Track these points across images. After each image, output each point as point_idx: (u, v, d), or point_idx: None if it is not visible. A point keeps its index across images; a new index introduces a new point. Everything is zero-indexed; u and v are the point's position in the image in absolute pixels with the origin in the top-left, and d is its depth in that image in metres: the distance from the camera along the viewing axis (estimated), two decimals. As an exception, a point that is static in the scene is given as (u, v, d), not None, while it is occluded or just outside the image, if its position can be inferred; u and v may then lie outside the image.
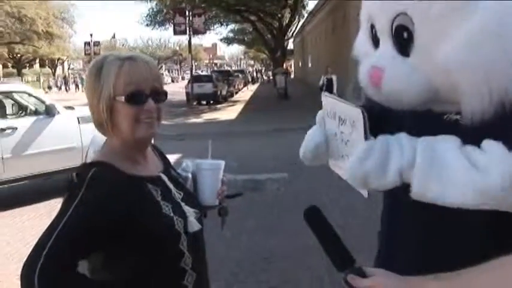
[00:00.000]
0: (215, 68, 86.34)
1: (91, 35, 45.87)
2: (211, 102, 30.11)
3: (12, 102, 9.25)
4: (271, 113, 23.00)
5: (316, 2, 42.26)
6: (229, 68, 77.15)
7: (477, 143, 1.45)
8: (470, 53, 1.40)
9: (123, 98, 1.62)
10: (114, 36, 77.18)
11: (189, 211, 1.77)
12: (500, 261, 0.90)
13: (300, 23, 50.78)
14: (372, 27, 1.71)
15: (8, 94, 9.05)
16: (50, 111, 8.62)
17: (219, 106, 28.79)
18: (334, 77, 18.89)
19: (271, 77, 50.36)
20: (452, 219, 1.48)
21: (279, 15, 38.26)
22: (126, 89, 1.63)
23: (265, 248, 5.86)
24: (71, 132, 8.69)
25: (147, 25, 42.75)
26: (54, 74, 64.29)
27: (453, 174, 1.38)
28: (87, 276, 1.60)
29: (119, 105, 1.64)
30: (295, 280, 5.05)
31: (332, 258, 1.26)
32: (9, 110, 9.14)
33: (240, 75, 54.28)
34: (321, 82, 19.31)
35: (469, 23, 1.41)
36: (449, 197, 1.38)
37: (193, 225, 1.75)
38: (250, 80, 62.18)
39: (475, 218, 1.42)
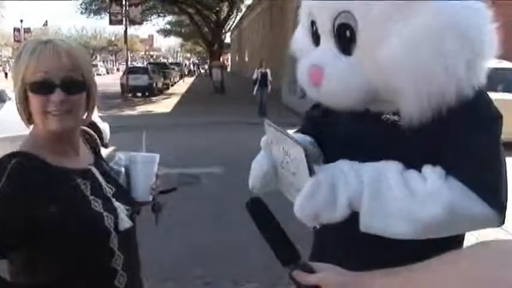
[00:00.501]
0: (151, 60, 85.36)
1: (21, 20, 44.47)
2: (147, 94, 29.73)
3: None
4: (207, 107, 22.91)
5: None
6: (165, 61, 76.35)
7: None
8: (411, 54, 1.40)
9: (28, 86, 1.50)
10: (46, 24, 74.85)
11: (121, 207, 1.66)
12: (451, 256, 0.86)
13: (238, 17, 50.94)
14: (313, 23, 1.67)
15: None
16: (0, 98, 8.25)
17: (154, 99, 28.50)
18: (268, 71, 18.76)
19: (207, 70, 50.30)
20: None
21: (217, 9, 38.19)
22: (32, 77, 1.49)
23: (201, 243, 5.79)
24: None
25: (81, 13, 41.84)
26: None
27: (396, 208, 1.42)
28: (6, 281, 1.47)
29: (30, 94, 1.51)
30: (232, 275, 5.00)
31: (276, 252, 1.19)
32: None
33: (176, 68, 54.04)
34: (254, 76, 19.13)
35: (412, 24, 1.41)
36: (393, 231, 1.44)
37: (125, 223, 1.64)
38: (186, 73, 61.91)
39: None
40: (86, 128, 1.78)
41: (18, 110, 1.56)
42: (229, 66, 78.29)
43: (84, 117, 1.65)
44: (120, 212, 1.64)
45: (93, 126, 9.69)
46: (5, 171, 1.43)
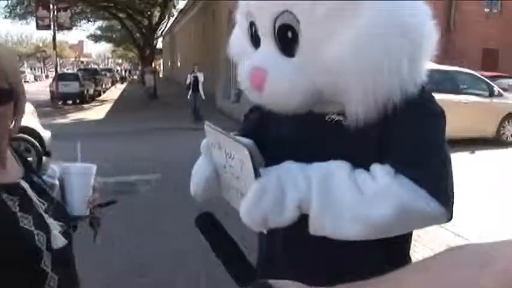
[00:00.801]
0: (81, 66, 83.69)
1: None
2: (78, 101, 29.11)
3: None
4: (140, 113, 22.74)
5: (186, 0, 42.25)
6: (96, 67, 75.00)
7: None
8: (356, 53, 1.38)
9: None
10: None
11: (53, 224, 1.51)
12: (420, 264, 0.83)
13: (170, 22, 50.59)
14: (252, 25, 1.61)
15: None
16: None
17: (86, 106, 27.96)
18: (199, 75, 18.62)
19: (140, 76, 49.76)
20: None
21: (149, 13, 37.81)
22: None
23: (140, 254, 5.66)
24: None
25: (5, 17, 40.33)
26: None
27: (346, 208, 1.40)
28: None
29: None
30: (174, 284, 4.93)
31: (231, 271, 1.11)
32: None
33: (108, 74, 53.28)
34: (188, 80, 19.01)
35: (355, 24, 1.39)
36: (344, 232, 1.41)
37: (58, 240, 1.50)
38: (118, 79, 60.97)
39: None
40: (25, 136, 1.64)
41: None
42: (162, 71, 77.65)
43: (12, 126, 1.52)
44: (53, 228, 1.50)
45: (35, 134, 9.42)
46: None
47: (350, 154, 1.48)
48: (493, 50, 22.19)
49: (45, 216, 1.50)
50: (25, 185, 1.52)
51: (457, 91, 12.27)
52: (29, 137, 9.34)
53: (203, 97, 18.30)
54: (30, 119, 9.60)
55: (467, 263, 0.71)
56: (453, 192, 1.44)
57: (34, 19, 26.15)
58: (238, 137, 1.52)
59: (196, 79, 18.44)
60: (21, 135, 9.14)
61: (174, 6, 43.92)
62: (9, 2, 38.29)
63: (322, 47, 1.43)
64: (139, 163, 10.55)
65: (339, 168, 1.45)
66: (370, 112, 1.42)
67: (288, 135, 1.66)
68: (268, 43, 1.55)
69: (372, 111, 1.42)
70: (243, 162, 1.46)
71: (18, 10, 39.11)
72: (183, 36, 48.78)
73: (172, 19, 50.02)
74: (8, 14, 39.90)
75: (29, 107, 10.09)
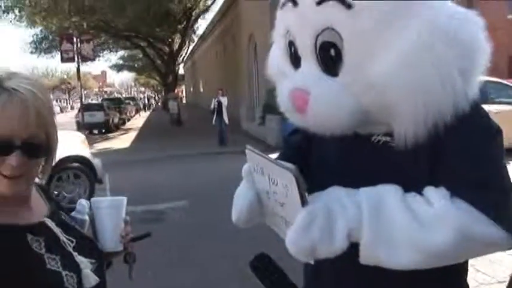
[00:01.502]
0: (105, 96, 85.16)
1: (-31, 64, 43.79)
2: (104, 131, 29.45)
3: None
4: (165, 140, 22.85)
5: (206, 26, 42.78)
6: (120, 96, 76.07)
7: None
8: (406, 68, 1.30)
9: None
10: (-5, 66, 74.21)
11: (84, 262, 1.42)
12: None
13: (190, 48, 51.19)
14: (291, 44, 1.54)
15: None
16: None
17: (111, 135, 28.30)
18: (223, 100, 18.53)
19: (163, 103, 50.29)
20: None
21: (169, 40, 38.33)
22: None
23: (173, 284, 5.60)
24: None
25: (31, 52, 41.08)
26: None
27: (401, 236, 1.31)
28: None
29: None
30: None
31: None
32: None
33: (132, 102, 53.88)
34: (212, 105, 19.02)
35: (403, 37, 1.31)
36: (398, 261, 1.32)
37: (90, 279, 1.41)
38: (142, 106, 61.65)
39: None
40: (77, 164, 1.54)
41: None
42: (185, 97, 78.42)
43: (41, 171, 1.43)
44: (84, 267, 1.41)
45: (86, 162, 9.63)
46: None
47: (399, 177, 1.39)
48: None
49: (75, 254, 1.42)
50: (50, 223, 1.44)
51: (486, 101, 12.05)
52: (81, 165, 9.58)
53: (227, 122, 18.31)
54: (81, 147, 9.89)
55: None
56: None
57: (59, 52, 26.54)
58: (282, 162, 1.43)
59: (220, 104, 18.45)
60: (73, 164, 9.41)
61: (194, 32, 44.51)
62: (35, 37, 39.27)
63: (368, 64, 1.34)
64: (166, 190, 10.57)
65: (389, 193, 1.35)
66: (420, 131, 1.33)
67: (332, 158, 1.59)
68: (309, 62, 1.47)
69: (422, 130, 1.33)
70: (288, 188, 1.37)
71: (43, 45, 39.96)
72: (204, 61, 49.33)
73: (192, 45, 50.64)
74: (34, 50, 40.76)
75: (80, 136, 10.29)
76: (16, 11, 31.54)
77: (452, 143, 1.36)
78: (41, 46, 40.27)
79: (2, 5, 31.38)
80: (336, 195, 1.38)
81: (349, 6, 1.33)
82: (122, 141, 24.47)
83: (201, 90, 54.09)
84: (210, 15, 39.85)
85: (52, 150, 1.40)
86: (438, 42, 1.29)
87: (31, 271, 1.30)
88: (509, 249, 1.33)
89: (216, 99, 18.60)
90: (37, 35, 38.80)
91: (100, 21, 30.59)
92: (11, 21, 32.76)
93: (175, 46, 39.71)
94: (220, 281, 5.38)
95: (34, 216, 1.42)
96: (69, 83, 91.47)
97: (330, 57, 1.41)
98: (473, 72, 1.36)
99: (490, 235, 1.27)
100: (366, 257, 1.34)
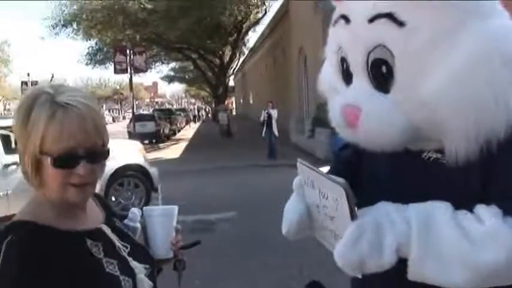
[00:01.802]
0: (156, 107, 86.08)
1: (28, 74, 44.93)
2: (154, 141, 29.80)
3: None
4: (215, 151, 22.94)
5: (256, 39, 42.97)
6: (170, 107, 76.97)
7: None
8: (459, 85, 1.32)
9: (49, 160, 1.33)
10: (52, 77, 76.13)
11: (138, 267, 1.50)
12: None
13: (241, 60, 51.46)
14: (343, 60, 1.58)
15: (10, 129, 8.67)
16: None
17: (162, 145, 28.60)
18: (273, 112, 18.37)
19: (213, 115, 50.56)
20: None
21: (220, 53, 38.64)
22: (54, 148, 1.32)
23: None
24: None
25: (86, 64, 42.24)
26: (-11, 115, 62.43)
27: (450, 253, 1.32)
28: None
29: (46, 163, 1.34)
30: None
31: None
32: (14, 145, 8.84)
33: (182, 114, 54.58)
34: (262, 118, 18.95)
35: (455, 54, 1.33)
36: (447, 279, 1.33)
37: (144, 284, 1.49)
38: (192, 118, 62.28)
39: None
40: (134, 173, 1.62)
41: (25, 175, 1.41)
42: (235, 109, 78.79)
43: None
44: (138, 272, 1.49)
45: (143, 171, 9.86)
46: (13, 250, 1.29)
47: (450, 194, 1.40)
48: None
49: (129, 259, 1.49)
50: (107, 229, 1.52)
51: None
52: (138, 174, 9.86)
53: (276, 134, 18.19)
54: (138, 156, 10.13)
55: None
56: None
57: (112, 64, 27.14)
58: (332, 176, 1.46)
59: (270, 116, 18.32)
60: (132, 172, 9.69)
61: (245, 45, 44.75)
62: (90, 50, 40.40)
63: (419, 81, 1.37)
64: (216, 201, 10.64)
65: (440, 210, 1.37)
66: (471, 149, 1.35)
67: (382, 174, 1.61)
68: (360, 79, 1.51)
69: (474, 148, 1.34)
70: (338, 202, 1.40)
71: (97, 57, 41.06)
72: (254, 73, 49.53)
73: (243, 57, 50.93)
74: (89, 61, 41.91)
75: (137, 145, 10.51)
76: (74, 25, 32.45)
77: (504, 160, 1.37)
78: (95, 58, 41.35)
79: (62, 19, 32.37)
80: (385, 210, 1.41)
81: (401, 24, 1.37)
82: (172, 151, 24.74)
83: (251, 102, 54.25)
84: (260, 28, 40.19)
85: (108, 155, 1.46)
86: (495, 59, 1.31)
87: (92, 275, 1.37)
88: None
89: (266, 111, 18.56)
90: (92, 47, 39.90)
91: (152, 33, 31.12)
92: (68, 35, 33.80)
93: (226, 58, 40.03)
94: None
95: (90, 222, 1.49)
96: (121, 93, 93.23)
97: (381, 74, 1.44)
98: None
99: None
100: (413, 273, 1.35)
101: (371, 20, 1.42)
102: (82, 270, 1.36)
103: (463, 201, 1.38)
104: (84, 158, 1.36)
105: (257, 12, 37.06)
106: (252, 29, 40.43)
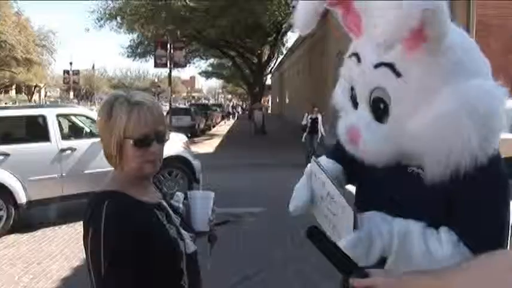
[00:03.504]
0: (193, 101, 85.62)
1: (71, 63, 45.60)
2: (189, 135, 29.57)
3: (70, 124, 9.87)
4: (249, 148, 23.01)
5: (295, 39, 42.61)
6: (207, 102, 76.65)
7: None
8: (433, 131, 1.64)
9: (131, 141, 1.79)
10: (93, 67, 77.22)
11: (186, 234, 1.95)
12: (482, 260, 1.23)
13: (279, 59, 51.15)
14: (352, 89, 1.91)
15: (67, 116, 9.62)
16: None
17: (196, 139, 28.42)
18: (319, 117, 17.07)
19: (248, 112, 50.12)
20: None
21: (259, 52, 38.41)
22: (135, 134, 1.78)
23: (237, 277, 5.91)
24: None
25: (128, 56, 42.76)
26: (30, 101, 62.87)
27: (417, 262, 1.69)
28: None
29: (128, 145, 1.79)
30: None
31: (338, 266, 1.49)
32: (68, 131, 9.66)
33: (218, 109, 54.07)
34: (304, 121, 17.28)
35: (434, 107, 1.64)
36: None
37: (190, 247, 1.94)
38: (227, 114, 61.83)
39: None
40: (179, 164, 2.06)
41: (110, 156, 1.87)
42: (270, 108, 78.24)
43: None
44: (186, 238, 1.94)
45: (187, 162, 10.36)
46: (101, 213, 1.74)
47: (425, 203, 1.77)
48: None
49: (180, 228, 1.97)
50: (165, 204, 2.00)
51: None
52: (182, 165, 10.45)
53: (318, 140, 16.91)
54: (183, 149, 10.66)
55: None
56: None
57: (152, 57, 27.45)
58: (343, 195, 1.77)
59: (314, 120, 16.99)
60: (177, 163, 10.24)
61: (283, 45, 44.31)
62: (132, 42, 40.89)
63: (407, 121, 1.69)
64: (247, 196, 10.94)
65: (415, 227, 1.74)
66: (443, 174, 1.67)
67: (375, 173, 1.93)
68: (364, 108, 1.84)
69: (444, 172, 1.67)
70: (343, 211, 1.75)
71: (139, 50, 41.52)
72: (291, 73, 48.97)
73: (281, 57, 50.70)
74: (130, 54, 42.41)
75: (182, 139, 10.94)
76: (118, 19, 32.98)
77: (463, 190, 1.69)
78: (136, 51, 41.75)
79: (107, 13, 32.86)
80: (376, 223, 1.77)
81: (398, 75, 1.69)
82: (207, 146, 24.82)
83: (287, 101, 53.90)
84: (299, 29, 39.56)
85: (167, 138, 1.95)
86: (463, 115, 1.59)
87: (162, 234, 1.86)
88: None
89: (309, 116, 17.14)
90: (134, 40, 40.23)
91: (193, 29, 31.15)
92: (112, 28, 34.26)
93: (264, 57, 39.58)
94: (284, 281, 5.71)
95: (154, 197, 1.98)
96: (158, 86, 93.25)
97: (379, 110, 1.78)
98: (490, 137, 1.66)
99: None
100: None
101: (375, 66, 1.73)
102: (154, 229, 1.84)
103: (434, 212, 1.75)
104: (155, 139, 1.85)
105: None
106: (291, 29, 39.83)
